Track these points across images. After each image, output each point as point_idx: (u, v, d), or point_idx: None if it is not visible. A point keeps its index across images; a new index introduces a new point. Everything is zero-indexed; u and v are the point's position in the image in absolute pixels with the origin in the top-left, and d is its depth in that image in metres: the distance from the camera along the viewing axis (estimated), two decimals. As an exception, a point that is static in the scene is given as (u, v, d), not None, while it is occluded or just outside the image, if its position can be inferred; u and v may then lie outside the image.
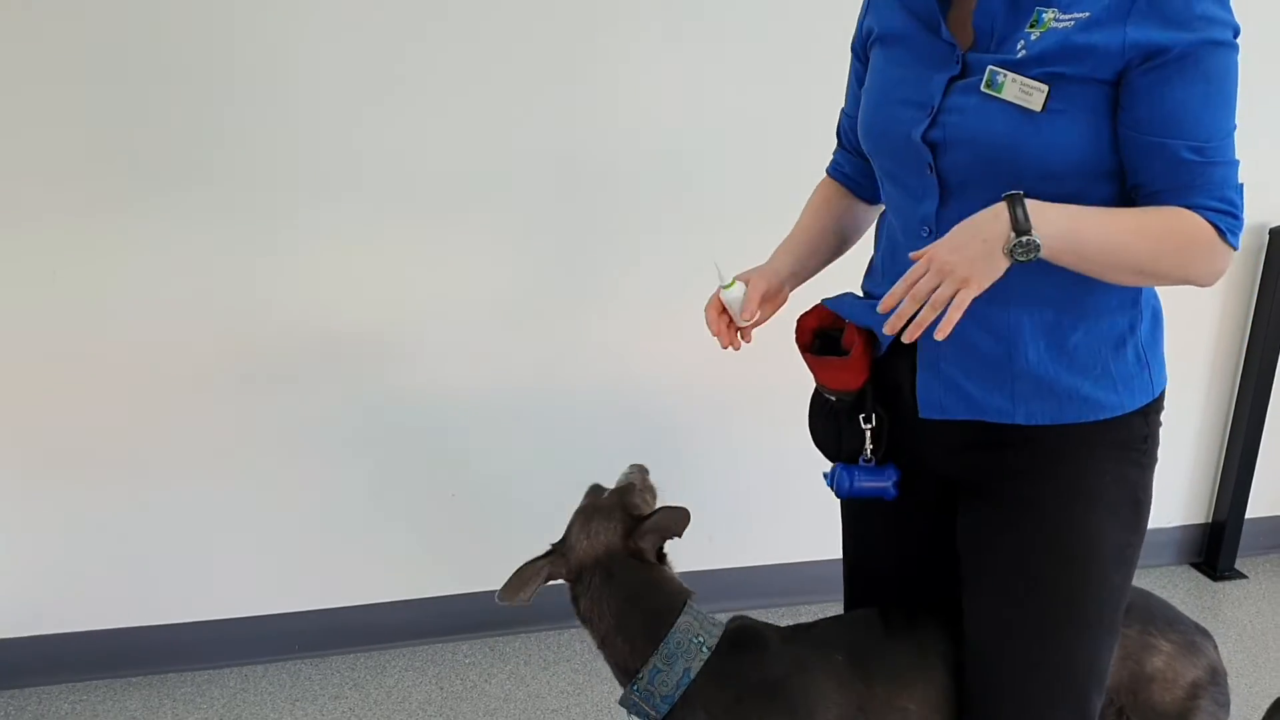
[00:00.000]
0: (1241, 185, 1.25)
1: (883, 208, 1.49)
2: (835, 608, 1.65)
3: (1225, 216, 1.23)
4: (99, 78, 2.09)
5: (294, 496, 2.41)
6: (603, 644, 1.50)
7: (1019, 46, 1.25)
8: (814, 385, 1.50)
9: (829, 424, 1.48)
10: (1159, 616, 1.53)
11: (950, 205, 1.31)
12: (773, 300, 1.46)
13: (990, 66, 1.25)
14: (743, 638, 1.48)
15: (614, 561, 1.50)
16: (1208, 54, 1.20)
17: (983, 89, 1.25)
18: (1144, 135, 1.22)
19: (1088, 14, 1.21)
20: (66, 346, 2.22)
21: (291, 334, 2.30)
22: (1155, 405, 1.38)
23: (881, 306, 1.22)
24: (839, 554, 1.64)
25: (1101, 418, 1.33)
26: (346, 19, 2.14)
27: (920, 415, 1.38)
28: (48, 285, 2.18)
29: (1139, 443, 1.37)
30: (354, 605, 2.51)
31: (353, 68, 2.17)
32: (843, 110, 1.57)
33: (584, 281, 2.40)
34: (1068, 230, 1.18)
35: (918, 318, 1.18)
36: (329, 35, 2.14)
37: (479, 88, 2.23)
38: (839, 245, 1.57)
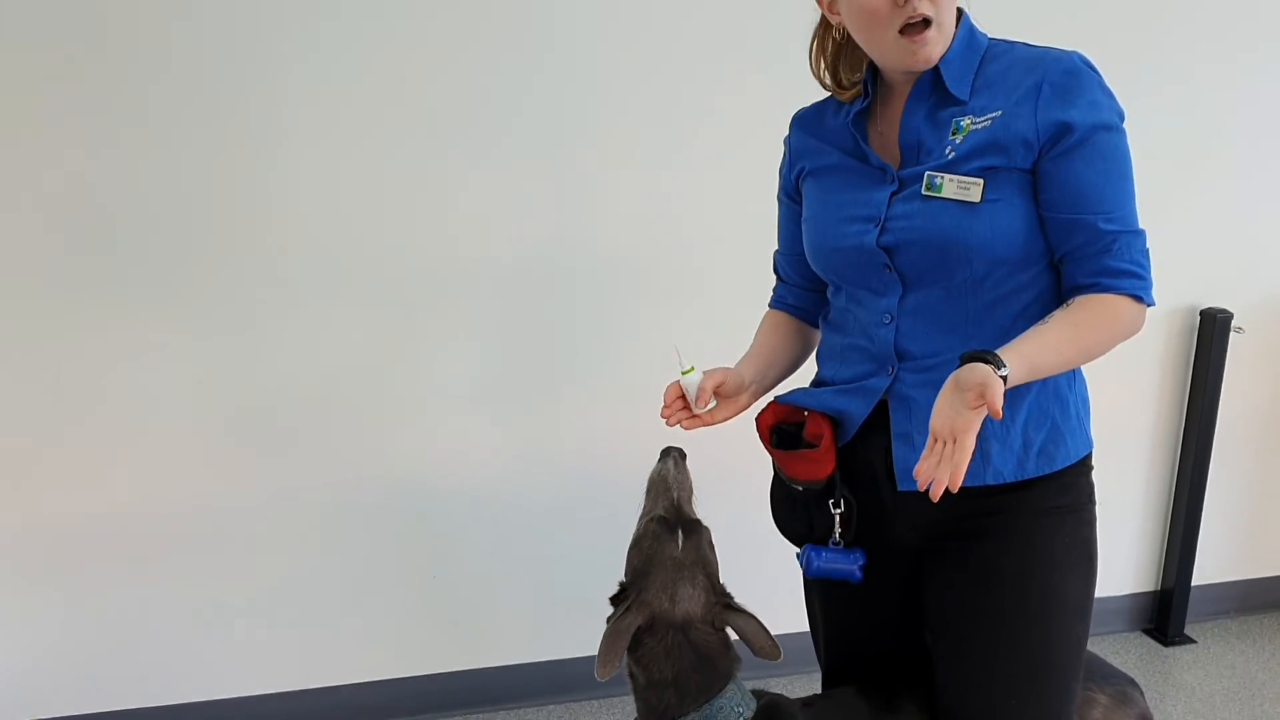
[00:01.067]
0: (1147, 250, 1.42)
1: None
2: (801, 679, 1.74)
3: (1136, 281, 1.39)
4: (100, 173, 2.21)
5: (279, 578, 2.48)
6: (649, 687, 1.53)
7: (947, 151, 1.41)
8: (771, 473, 1.61)
9: (796, 512, 1.57)
10: (1095, 671, 1.66)
11: (909, 296, 1.46)
12: (732, 401, 1.57)
13: (927, 171, 1.41)
14: (775, 713, 1.57)
15: (692, 628, 1.55)
16: (1103, 137, 1.38)
17: (924, 192, 1.41)
18: (1060, 214, 1.39)
19: (1000, 112, 1.39)
20: (46, 433, 2.31)
21: (277, 416, 2.40)
22: (1090, 458, 1.52)
23: (921, 483, 1.29)
24: (803, 626, 1.73)
25: (1056, 469, 1.46)
26: (328, 115, 2.27)
27: (899, 488, 1.47)
28: (41, 375, 2.27)
29: (1085, 500, 1.50)
30: (341, 685, 2.57)
31: (338, 161, 2.30)
32: (777, 251, 1.72)
33: (562, 368, 2.52)
34: (1026, 372, 1.32)
35: (946, 478, 1.27)
36: (312, 130, 2.28)
37: (463, 183, 2.36)
38: (792, 363, 1.71)
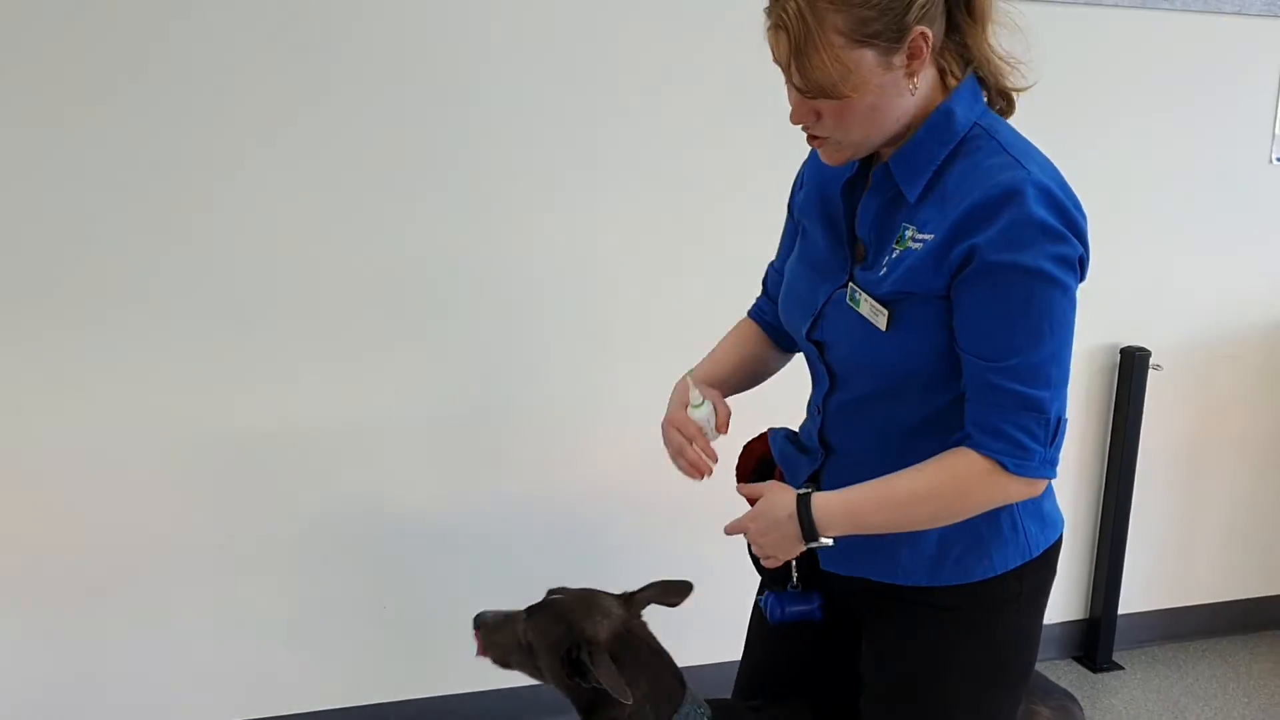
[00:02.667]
0: (1046, 418, 1.26)
1: (793, 356, 1.63)
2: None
3: (1009, 447, 1.26)
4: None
5: (234, 607, 2.51)
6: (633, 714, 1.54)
7: (883, 264, 1.32)
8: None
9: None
10: (1036, 687, 1.73)
11: (836, 393, 1.44)
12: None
13: (851, 284, 1.36)
14: (729, 711, 1.64)
15: (634, 629, 1.60)
16: (1013, 278, 1.23)
17: (847, 301, 1.37)
18: (956, 348, 1.29)
19: (933, 236, 1.27)
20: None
21: (230, 448, 2.43)
22: (1033, 565, 1.43)
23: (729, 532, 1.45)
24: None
25: (973, 580, 1.41)
26: (275, 151, 2.33)
27: (821, 567, 1.50)
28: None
29: (1010, 602, 1.43)
30: (297, 713, 2.59)
31: (286, 193, 2.36)
32: (771, 263, 1.66)
33: (515, 401, 2.58)
34: (848, 523, 1.34)
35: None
36: (257, 162, 2.34)
37: (420, 223, 2.44)
38: (748, 382, 1.64)
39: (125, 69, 2.20)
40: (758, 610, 1.72)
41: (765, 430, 1.63)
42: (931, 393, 1.34)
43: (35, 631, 2.40)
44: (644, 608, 1.65)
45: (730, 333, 1.68)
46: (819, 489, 1.42)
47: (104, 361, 2.32)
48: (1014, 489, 1.30)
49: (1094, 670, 3.11)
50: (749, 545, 1.56)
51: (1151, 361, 2.97)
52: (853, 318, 1.35)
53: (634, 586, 2.72)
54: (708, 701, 1.63)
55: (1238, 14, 2.86)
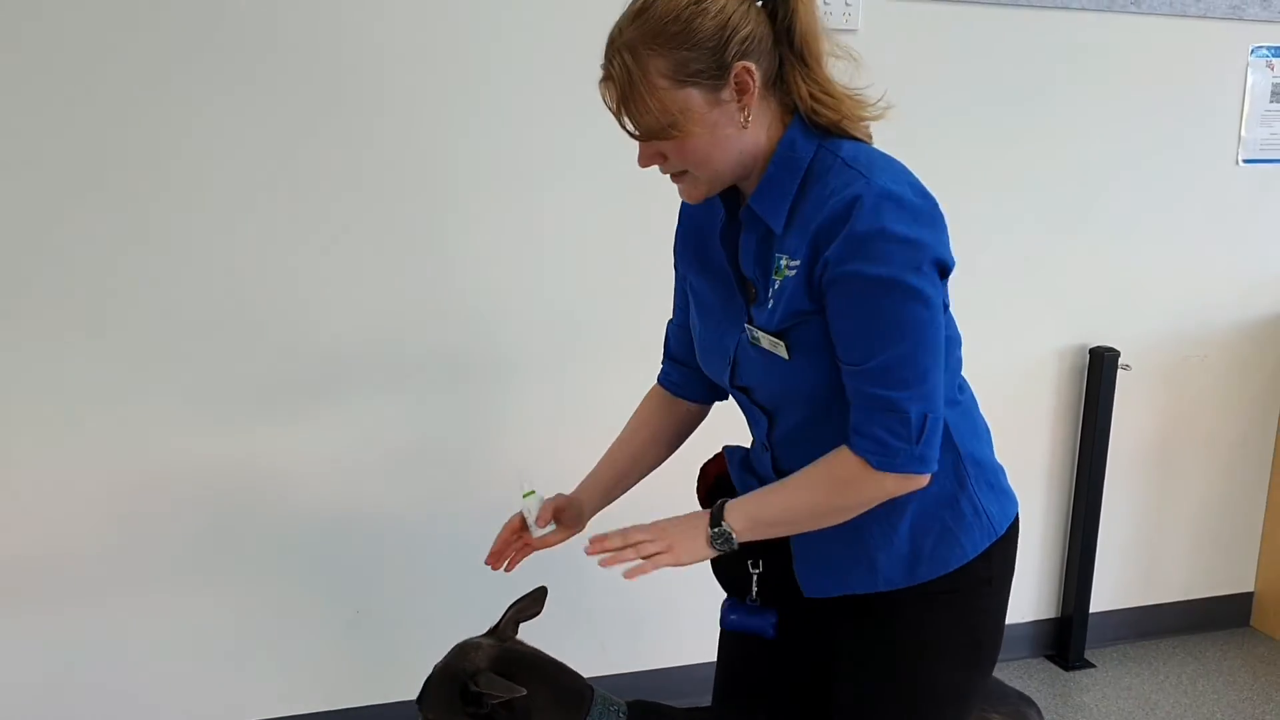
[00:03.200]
0: (907, 416, 1.30)
1: (712, 404, 1.68)
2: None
3: (875, 448, 1.32)
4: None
5: (205, 616, 2.50)
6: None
7: (769, 297, 1.37)
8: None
9: (728, 566, 1.62)
10: (993, 691, 1.75)
11: (777, 426, 1.48)
12: (571, 525, 1.63)
13: (748, 326, 1.42)
14: (648, 710, 1.65)
15: (513, 653, 1.62)
16: (859, 287, 1.27)
17: (749, 343, 1.42)
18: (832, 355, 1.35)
19: (799, 261, 1.32)
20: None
21: (201, 455, 2.43)
22: (1000, 543, 1.49)
23: (591, 549, 1.41)
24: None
25: (950, 569, 1.45)
26: (231, 181, 2.33)
27: (805, 595, 1.52)
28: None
29: (980, 586, 1.48)
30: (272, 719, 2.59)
31: (267, 223, 2.36)
32: (671, 321, 1.68)
33: (487, 407, 2.58)
34: (750, 517, 1.39)
35: (621, 554, 1.40)
36: (219, 192, 2.33)
37: (393, 231, 2.44)
38: (666, 451, 1.70)
39: (111, 75, 2.19)
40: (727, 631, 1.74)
41: (720, 450, 1.66)
42: (843, 410, 1.38)
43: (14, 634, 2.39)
44: (514, 630, 1.66)
45: (639, 410, 1.72)
46: None
47: (64, 366, 2.31)
48: (889, 484, 1.35)
49: (1065, 668, 3.13)
50: (712, 560, 1.59)
51: (1120, 361, 2.99)
52: (761, 355, 1.40)
53: (597, 584, 2.74)
54: (629, 702, 1.64)
55: (1202, 17, 2.89)
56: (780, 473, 1.51)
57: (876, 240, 1.26)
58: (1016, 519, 1.54)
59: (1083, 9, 2.78)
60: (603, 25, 1.35)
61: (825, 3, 2.54)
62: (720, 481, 1.63)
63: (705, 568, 1.68)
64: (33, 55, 2.16)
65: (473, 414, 2.58)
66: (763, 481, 1.55)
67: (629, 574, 1.38)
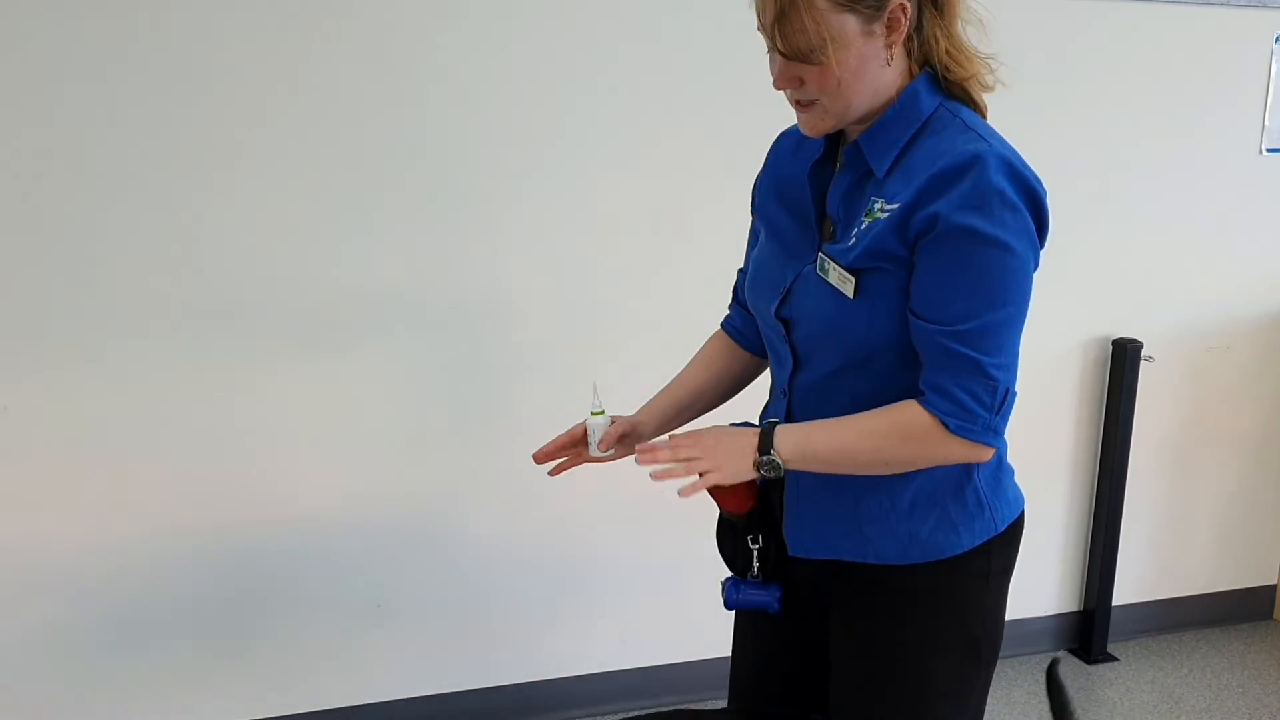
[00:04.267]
0: (992, 384, 1.30)
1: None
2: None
3: (954, 408, 1.30)
4: None
5: (223, 609, 2.51)
6: None
7: (853, 235, 1.37)
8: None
9: (730, 541, 1.61)
10: None
11: (800, 374, 1.47)
12: (628, 446, 1.58)
13: (821, 255, 1.39)
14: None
15: None
16: (970, 243, 1.27)
17: (817, 272, 1.40)
18: (909, 313, 1.33)
19: (898, 205, 1.32)
20: None
21: (222, 447, 2.43)
22: (1000, 540, 1.48)
23: (642, 459, 1.37)
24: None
25: (944, 556, 1.44)
26: (240, 149, 2.33)
27: (790, 554, 1.53)
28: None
29: (979, 581, 1.48)
30: (291, 714, 2.59)
31: (259, 197, 2.36)
32: (740, 269, 1.70)
33: (500, 400, 2.58)
34: (800, 448, 1.35)
35: (672, 471, 1.36)
36: (223, 167, 2.34)
37: (399, 226, 2.43)
38: (724, 395, 1.69)
39: (101, 65, 2.20)
40: (740, 614, 1.74)
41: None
42: (893, 366, 1.38)
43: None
44: None
45: (700, 351, 1.72)
46: (790, 474, 1.46)
47: (43, 355, 2.29)
48: (956, 450, 1.34)
49: (1089, 662, 3.12)
50: (717, 538, 1.61)
51: (1143, 353, 2.97)
52: (822, 289, 1.39)
53: (620, 585, 2.73)
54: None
55: (1226, 5, 2.86)
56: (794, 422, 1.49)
57: (995, 201, 1.27)
58: (1021, 518, 1.53)
59: (1106, -3, 2.76)
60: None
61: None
62: None
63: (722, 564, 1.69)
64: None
65: (489, 406, 2.58)
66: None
67: (682, 492, 1.35)
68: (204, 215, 2.31)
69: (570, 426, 1.61)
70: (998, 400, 1.32)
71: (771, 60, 1.35)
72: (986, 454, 1.36)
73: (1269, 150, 3.02)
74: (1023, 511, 1.54)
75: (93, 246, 2.26)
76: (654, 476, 1.37)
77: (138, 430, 2.36)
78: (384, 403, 2.50)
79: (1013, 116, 2.92)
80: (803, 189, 1.47)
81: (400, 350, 2.49)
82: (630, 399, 1.69)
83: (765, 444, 1.35)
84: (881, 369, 1.39)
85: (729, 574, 1.63)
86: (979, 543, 1.46)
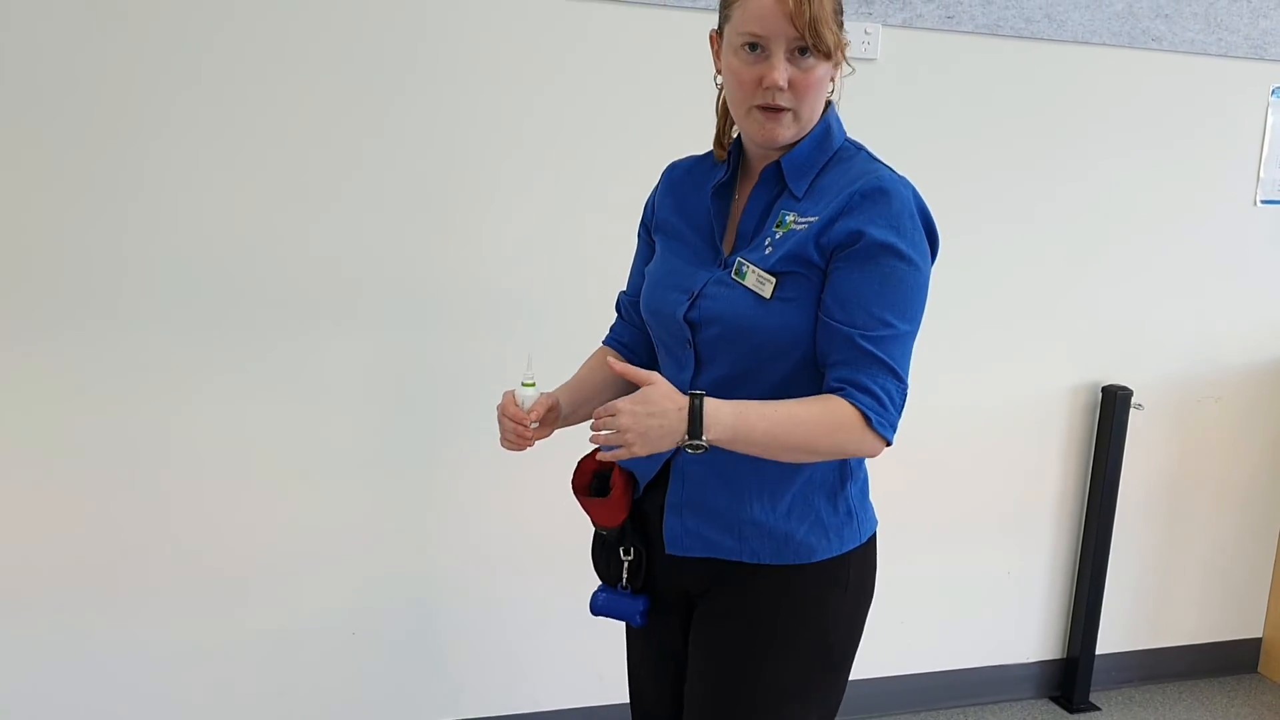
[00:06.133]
0: (903, 387, 1.43)
1: None
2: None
3: (874, 404, 1.41)
4: None
5: (195, 636, 2.47)
6: None
7: (766, 244, 1.48)
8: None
9: (602, 554, 1.67)
10: None
11: (701, 374, 1.54)
12: (549, 425, 1.61)
13: (739, 258, 1.50)
14: None
15: None
16: (889, 258, 1.41)
17: (731, 277, 1.49)
18: (827, 317, 1.44)
19: (816, 218, 1.45)
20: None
21: (199, 476, 2.40)
22: (860, 552, 1.57)
23: (596, 419, 1.39)
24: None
25: (815, 559, 1.52)
26: (185, 150, 2.31)
27: (666, 551, 1.57)
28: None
29: (840, 587, 1.55)
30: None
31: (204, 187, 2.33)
32: (623, 291, 1.78)
33: (448, 429, 2.55)
34: (734, 427, 1.37)
35: (605, 435, 1.37)
36: (165, 167, 2.31)
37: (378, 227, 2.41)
38: (619, 395, 1.71)
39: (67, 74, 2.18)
40: (632, 638, 1.78)
41: (594, 448, 1.62)
42: (792, 368, 1.47)
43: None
44: None
45: (590, 359, 1.76)
46: (670, 476, 1.56)
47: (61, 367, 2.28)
48: (868, 443, 1.43)
49: (1070, 710, 3.08)
50: (591, 552, 1.67)
51: (1133, 401, 2.96)
52: (735, 292, 1.48)
53: (612, 625, 2.69)
54: None
55: (1223, 55, 2.87)
56: None
57: (909, 224, 1.43)
58: (875, 537, 1.61)
59: (1103, 44, 2.77)
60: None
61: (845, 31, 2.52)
62: (598, 475, 1.65)
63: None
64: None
65: (451, 435, 2.55)
66: None
67: (601, 457, 1.46)
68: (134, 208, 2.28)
69: (499, 402, 1.58)
70: (900, 400, 1.44)
71: (771, 64, 1.44)
72: (880, 450, 1.45)
73: (1264, 202, 3.03)
74: (875, 533, 1.62)
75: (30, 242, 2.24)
76: (592, 440, 1.41)
77: (76, 456, 2.33)
78: (351, 425, 2.47)
79: (1004, 160, 2.95)
80: (705, 207, 1.59)
81: (363, 367, 2.47)
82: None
83: (695, 428, 1.36)
84: (781, 371, 1.47)
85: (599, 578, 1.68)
86: (845, 550, 1.55)
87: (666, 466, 1.58)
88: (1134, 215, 2.91)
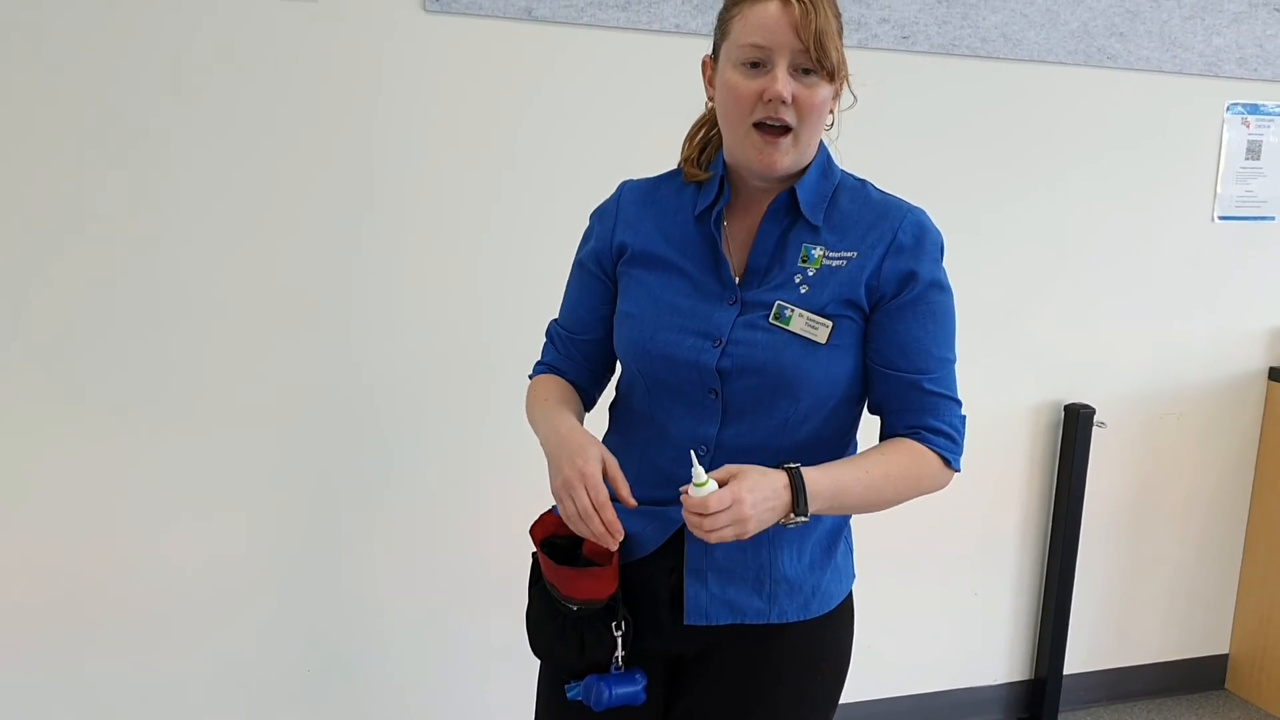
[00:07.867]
0: (961, 411, 1.45)
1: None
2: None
3: (949, 443, 1.43)
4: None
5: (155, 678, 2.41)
6: None
7: (798, 282, 1.40)
8: (531, 597, 1.54)
9: (566, 634, 1.46)
10: None
11: (729, 428, 1.41)
12: None
13: (779, 302, 1.39)
14: None
15: None
16: (936, 296, 1.42)
17: (771, 321, 1.38)
18: (885, 367, 1.41)
19: (855, 254, 1.40)
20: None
21: (148, 513, 2.34)
22: (851, 594, 1.56)
23: (707, 525, 1.26)
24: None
25: (833, 606, 1.49)
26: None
27: (685, 622, 1.44)
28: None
29: (847, 624, 1.54)
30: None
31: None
32: (555, 322, 1.60)
33: (422, 462, 2.51)
34: (833, 500, 1.34)
35: (727, 534, 1.27)
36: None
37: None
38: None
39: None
40: (551, 702, 1.58)
41: (544, 513, 1.50)
42: (827, 414, 1.42)
43: None
44: None
45: (550, 395, 1.54)
46: (685, 539, 1.42)
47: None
48: (944, 479, 1.44)
49: (1038, 732, 3.07)
50: (535, 635, 1.52)
51: (1095, 419, 2.95)
52: (780, 338, 1.39)
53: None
54: None
55: (1179, 73, 2.88)
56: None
57: (940, 253, 1.43)
58: None
59: (1059, 63, 2.77)
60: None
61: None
62: (547, 543, 1.47)
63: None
64: None
65: (423, 465, 2.51)
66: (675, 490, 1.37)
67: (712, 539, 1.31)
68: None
69: (587, 494, 1.36)
70: (964, 427, 1.45)
71: (774, 76, 1.35)
72: (947, 482, 1.46)
73: (1221, 218, 3.03)
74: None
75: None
76: (708, 539, 1.29)
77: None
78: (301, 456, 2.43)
79: (967, 184, 2.94)
80: (693, 235, 1.46)
81: (305, 406, 2.42)
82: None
83: (800, 504, 1.31)
84: (817, 419, 1.42)
85: (582, 676, 1.48)
86: (848, 591, 1.54)
87: (677, 532, 1.43)
88: (1092, 233, 2.91)
